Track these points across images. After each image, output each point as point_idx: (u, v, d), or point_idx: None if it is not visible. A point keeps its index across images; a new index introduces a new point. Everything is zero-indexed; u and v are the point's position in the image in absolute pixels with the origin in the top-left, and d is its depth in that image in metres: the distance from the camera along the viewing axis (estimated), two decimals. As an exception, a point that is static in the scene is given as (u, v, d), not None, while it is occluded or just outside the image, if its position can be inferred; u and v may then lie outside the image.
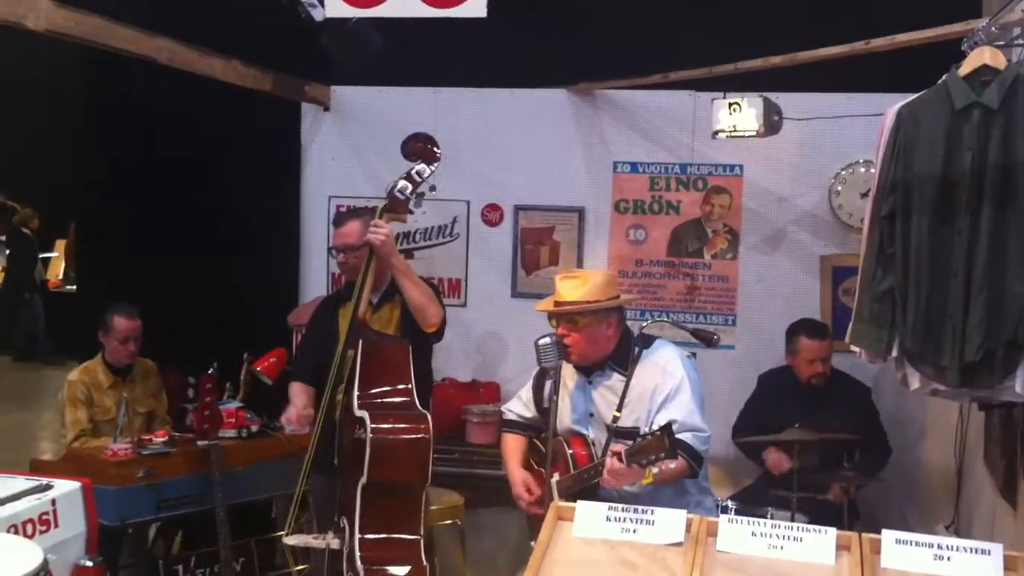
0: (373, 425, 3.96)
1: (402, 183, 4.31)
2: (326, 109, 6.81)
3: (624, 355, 4.04)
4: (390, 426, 4.02)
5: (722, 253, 6.26)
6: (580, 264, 6.38)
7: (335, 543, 4.12)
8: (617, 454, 3.64)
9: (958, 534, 5.17)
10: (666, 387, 3.95)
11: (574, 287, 4.02)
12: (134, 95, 6.80)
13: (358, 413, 4.05)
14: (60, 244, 14.62)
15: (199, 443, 4.90)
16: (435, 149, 4.35)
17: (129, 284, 6.60)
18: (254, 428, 5.20)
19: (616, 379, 4.03)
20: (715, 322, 6.20)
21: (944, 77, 3.34)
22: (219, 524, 4.81)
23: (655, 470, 3.61)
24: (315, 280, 6.84)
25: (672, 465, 3.74)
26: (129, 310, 5.50)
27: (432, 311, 4.52)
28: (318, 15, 4.69)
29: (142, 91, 6.67)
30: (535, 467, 4.26)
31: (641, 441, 3.56)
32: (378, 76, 6.40)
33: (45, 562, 2.84)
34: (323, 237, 6.74)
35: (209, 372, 4.97)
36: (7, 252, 13.54)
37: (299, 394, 4.71)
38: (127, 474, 4.66)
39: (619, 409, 3.96)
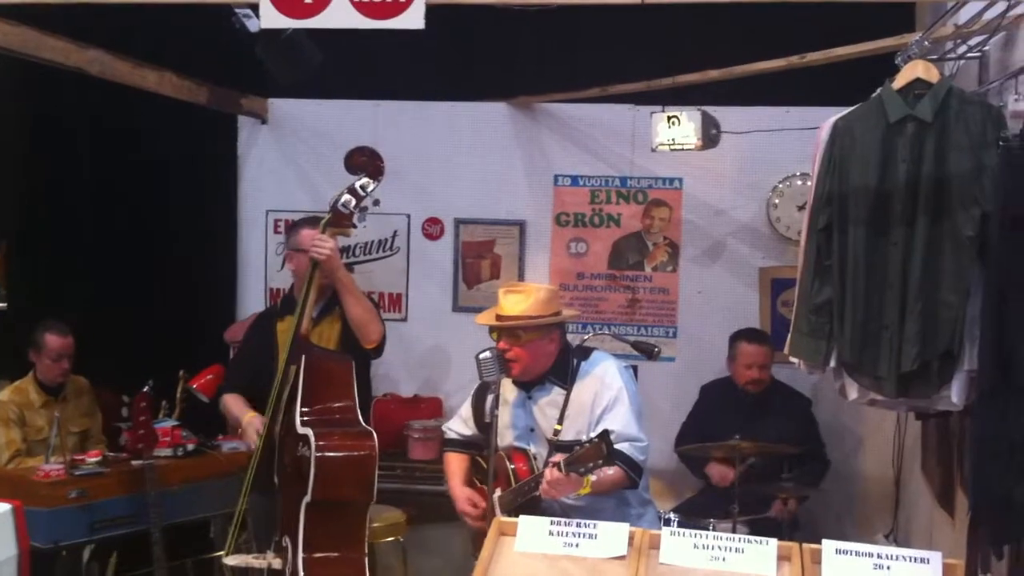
0: (318, 443, 3.91)
1: (345, 197, 4.26)
2: (263, 122, 6.74)
3: (563, 368, 4.03)
4: (335, 443, 3.97)
5: (662, 266, 6.28)
6: (521, 277, 6.37)
7: (276, 562, 4.06)
8: (556, 464, 3.63)
9: (897, 543, 5.23)
10: (604, 399, 3.96)
11: (518, 301, 4.00)
12: (65, 109, 6.65)
13: (301, 430, 4.00)
14: (-9, 260, 14.31)
15: (134, 463, 4.80)
16: (379, 163, 4.31)
17: (61, 301, 6.45)
18: (190, 447, 5.10)
19: (556, 393, 4.02)
20: (656, 334, 6.22)
21: (879, 90, 3.39)
22: (154, 545, 4.71)
23: (593, 478, 3.61)
24: (252, 296, 6.76)
25: (609, 472, 3.75)
26: (60, 327, 5.39)
27: (373, 328, 4.49)
28: (253, 26, 4.63)
29: (74, 105, 6.53)
30: (478, 485, 4.23)
31: (579, 450, 3.56)
32: (317, 89, 6.34)
33: (-28, 588, 2.75)
34: (261, 251, 6.67)
35: (144, 390, 4.87)
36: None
37: (241, 408, 4.63)
38: (59, 495, 4.54)
39: (560, 423, 3.95)
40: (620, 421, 3.89)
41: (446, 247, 6.59)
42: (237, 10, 4.60)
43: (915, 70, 3.30)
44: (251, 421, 4.50)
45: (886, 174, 3.29)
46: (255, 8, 2.89)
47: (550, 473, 3.64)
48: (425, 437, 6.06)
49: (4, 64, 6.05)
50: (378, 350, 4.59)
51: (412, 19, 2.75)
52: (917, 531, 4.98)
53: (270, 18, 2.84)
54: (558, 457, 3.67)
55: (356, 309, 4.43)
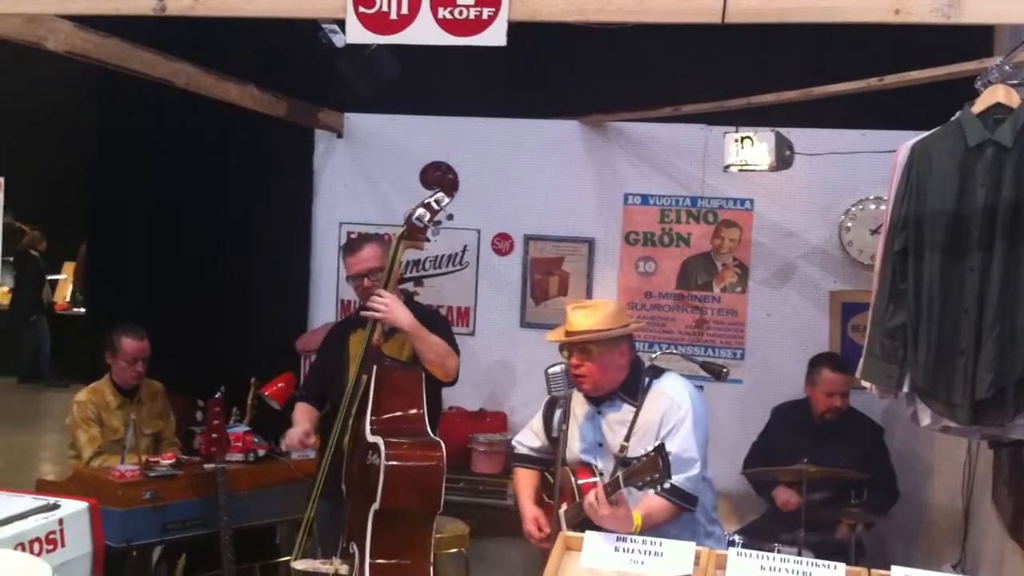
0: (388, 451, 3.95)
1: (420, 211, 4.30)
2: (339, 136, 6.85)
3: (634, 385, 4.01)
4: (404, 453, 4.00)
5: (731, 287, 6.26)
6: (589, 295, 6.39)
7: (343, 568, 4.10)
8: (606, 486, 3.58)
9: (965, 573, 5.15)
10: (671, 418, 3.93)
11: (586, 316, 4.00)
12: (146, 118, 6.85)
13: (371, 439, 4.04)
14: (68, 267, 14.65)
15: (206, 466, 4.88)
16: (454, 178, 4.34)
17: (138, 307, 6.61)
18: (261, 452, 5.17)
19: (626, 409, 4.01)
20: (723, 355, 6.20)
21: (958, 114, 3.37)
22: (224, 548, 4.77)
23: (650, 490, 3.57)
24: (324, 306, 6.86)
25: (655, 506, 3.73)
26: (136, 331, 5.50)
27: (449, 365, 4.45)
28: (339, 41, 4.74)
29: (155, 115, 6.73)
30: (547, 500, 4.23)
31: (636, 464, 3.52)
32: (391, 104, 6.44)
33: (53, 580, 2.82)
34: (333, 263, 6.75)
35: (216, 396, 4.96)
36: (14, 274, 13.58)
37: (301, 417, 4.70)
38: (133, 496, 4.63)
39: (627, 439, 3.94)
40: (679, 445, 3.83)
41: (515, 263, 6.63)
42: (324, 26, 4.70)
43: (995, 95, 3.28)
44: (297, 426, 4.58)
45: (964, 198, 3.27)
46: (341, 24, 2.96)
47: (588, 499, 3.60)
48: (490, 451, 6.09)
49: (84, 72, 6.25)
50: (453, 383, 4.58)
51: (494, 36, 2.80)
52: (986, 562, 4.90)
53: (356, 34, 2.90)
54: (600, 488, 3.62)
55: (428, 354, 4.39)
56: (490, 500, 5.95)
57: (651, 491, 3.64)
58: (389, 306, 4.29)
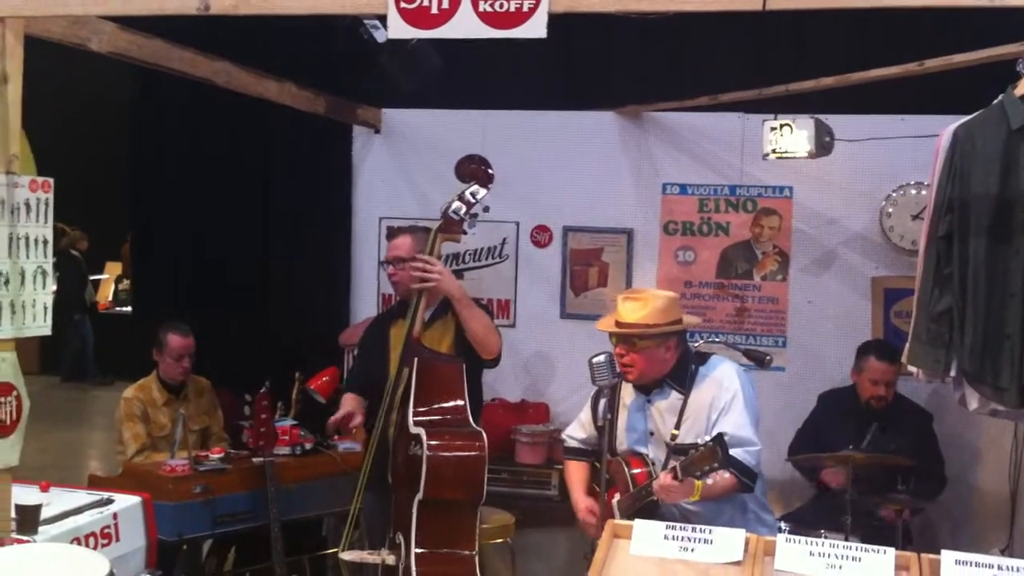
0: (429, 442, 4.00)
1: (456, 204, 4.34)
2: (377, 131, 6.87)
3: (682, 373, 4.04)
4: (446, 443, 4.05)
5: (772, 275, 6.23)
6: (629, 285, 6.36)
7: (390, 559, 4.15)
8: (673, 468, 3.65)
9: (1013, 557, 5.11)
10: (721, 401, 3.96)
11: (635, 309, 4.01)
12: (186, 117, 6.93)
13: (413, 430, 4.09)
14: (111, 266, 14.83)
15: (254, 460, 4.94)
16: (489, 171, 4.37)
17: (183, 304, 6.69)
18: (308, 446, 5.23)
19: (674, 397, 4.04)
20: (765, 344, 6.15)
21: (1000, 97, 3.35)
22: (273, 540, 4.83)
23: (709, 481, 3.62)
24: (366, 300, 6.89)
25: (724, 476, 3.74)
26: (182, 328, 5.59)
27: (492, 341, 4.51)
28: (380, 36, 4.78)
29: (194, 113, 6.80)
30: (596, 489, 4.26)
31: (694, 453, 3.56)
32: (428, 99, 6.45)
33: (112, 574, 2.88)
34: (374, 257, 6.79)
35: (262, 390, 5.02)
36: (56, 274, 13.73)
37: (348, 402, 4.75)
38: (184, 490, 4.69)
39: (677, 426, 3.96)
40: (733, 424, 3.89)
41: (554, 255, 6.62)
42: (366, 22, 4.74)
43: (1038, 77, 3.27)
44: (343, 408, 4.66)
45: (1008, 181, 3.26)
46: (383, 19, 2.98)
47: (664, 477, 3.67)
48: (533, 442, 6.10)
49: (129, 72, 6.32)
50: (496, 361, 4.64)
51: (534, 28, 2.81)
52: (1035, 546, 4.87)
53: (397, 28, 2.93)
54: (676, 462, 3.68)
55: (475, 325, 4.46)
56: (534, 491, 5.97)
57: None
58: (443, 273, 4.34)
